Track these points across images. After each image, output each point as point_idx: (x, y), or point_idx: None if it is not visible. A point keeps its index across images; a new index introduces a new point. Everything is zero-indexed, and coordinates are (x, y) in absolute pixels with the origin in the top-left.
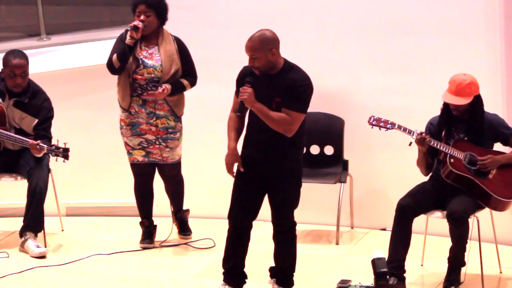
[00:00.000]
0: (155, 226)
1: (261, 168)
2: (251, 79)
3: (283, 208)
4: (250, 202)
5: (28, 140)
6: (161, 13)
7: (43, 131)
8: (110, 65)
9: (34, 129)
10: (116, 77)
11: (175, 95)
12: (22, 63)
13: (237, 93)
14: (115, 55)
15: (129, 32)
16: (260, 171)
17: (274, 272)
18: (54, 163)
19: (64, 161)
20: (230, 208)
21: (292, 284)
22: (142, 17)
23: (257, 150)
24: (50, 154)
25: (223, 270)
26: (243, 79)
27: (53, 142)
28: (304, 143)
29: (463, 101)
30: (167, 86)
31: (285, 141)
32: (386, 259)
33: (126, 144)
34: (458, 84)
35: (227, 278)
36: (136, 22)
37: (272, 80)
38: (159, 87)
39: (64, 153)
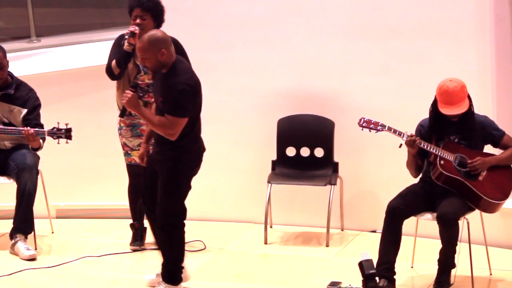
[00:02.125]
0: (145, 228)
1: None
2: (136, 83)
3: (160, 205)
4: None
5: (23, 129)
6: (157, 16)
7: (34, 119)
8: (109, 71)
9: (24, 119)
10: (112, 76)
11: None
12: None
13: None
14: (114, 61)
15: (126, 39)
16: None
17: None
18: (44, 165)
19: (66, 142)
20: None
21: (180, 280)
22: (138, 21)
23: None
24: (52, 137)
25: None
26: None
27: (54, 125)
28: (195, 148)
29: (464, 106)
30: None
31: (169, 142)
32: (376, 261)
33: (124, 145)
34: (452, 93)
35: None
36: (132, 28)
37: (162, 80)
38: None
39: (67, 133)
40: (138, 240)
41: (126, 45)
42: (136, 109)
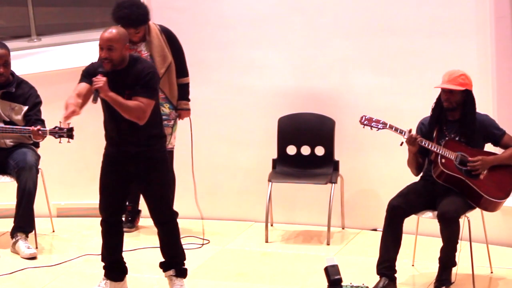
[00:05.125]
0: (139, 211)
1: (127, 162)
2: (104, 69)
3: (161, 202)
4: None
5: (28, 128)
6: (146, 21)
7: (35, 115)
8: None
9: (25, 115)
10: None
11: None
12: (3, 53)
13: (82, 80)
14: None
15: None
16: (127, 165)
17: (167, 265)
18: (45, 163)
19: (68, 141)
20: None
21: (186, 274)
22: (130, 33)
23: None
24: (54, 136)
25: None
26: (93, 73)
27: (56, 123)
28: (163, 132)
29: (456, 87)
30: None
31: (156, 135)
32: (377, 259)
33: None
34: (451, 74)
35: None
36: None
37: (119, 75)
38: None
39: (69, 133)
40: (129, 222)
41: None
42: (108, 94)
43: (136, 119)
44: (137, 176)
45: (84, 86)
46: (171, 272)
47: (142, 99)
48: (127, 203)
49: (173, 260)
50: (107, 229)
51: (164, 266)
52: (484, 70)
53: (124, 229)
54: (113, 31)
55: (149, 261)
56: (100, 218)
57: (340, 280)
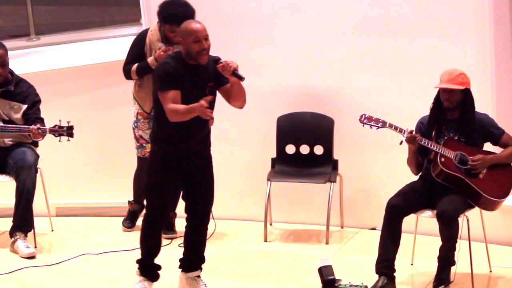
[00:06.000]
0: (143, 209)
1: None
2: (218, 57)
3: (209, 204)
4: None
5: (28, 127)
6: None
7: (34, 114)
8: (127, 74)
9: (25, 114)
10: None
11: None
12: (0, 53)
13: (171, 86)
14: (134, 68)
15: (156, 54)
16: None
17: (193, 265)
18: (44, 163)
19: (68, 140)
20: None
21: None
22: (176, 34)
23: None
24: (54, 135)
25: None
26: (177, 76)
27: (56, 122)
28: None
29: (456, 87)
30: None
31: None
32: (376, 258)
33: (140, 137)
34: (450, 74)
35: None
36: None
37: (199, 69)
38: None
39: (69, 131)
40: (130, 220)
41: (153, 61)
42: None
43: (245, 101)
44: (191, 175)
45: (179, 94)
46: (198, 272)
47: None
48: (134, 200)
49: (202, 261)
50: (154, 229)
51: (190, 266)
52: (483, 69)
53: (124, 228)
54: (198, 23)
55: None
56: (144, 218)
57: (333, 280)
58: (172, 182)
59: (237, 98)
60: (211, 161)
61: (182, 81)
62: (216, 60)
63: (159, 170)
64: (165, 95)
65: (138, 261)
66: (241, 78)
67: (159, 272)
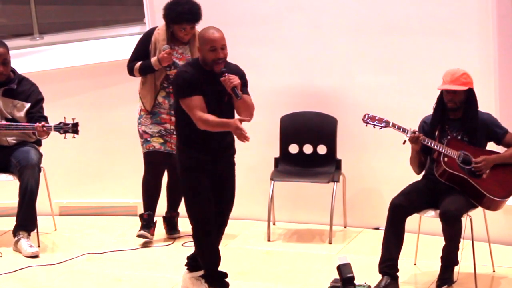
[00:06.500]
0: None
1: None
2: (226, 69)
3: (231, 207)
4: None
5: (32, 124)
6: (200, 19)
7: (38, 112)
8: (130, 71)
9: (28, 113)
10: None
11: None
12: (1, 51)
13: (193, 93)
14: (137, 66)
15: (160, 55)
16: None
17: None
18: (47, 162)
19: (73, 137)
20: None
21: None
22: (186, 32)
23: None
24: (59, 132)
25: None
26: (196, 83)
27: (60, 119)
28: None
29: (460, 88)
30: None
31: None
32: (379, 258)
33: (144, 132)
34: (453, 74)
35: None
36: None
37: (216, 77)
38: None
39: (74, 128)
40: (145, 228)
41: (156, 63)
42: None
43: (251, 115)
44: (219, 179)
45: (202, 99)
46: (203, 272)
47: (248, 96)
48: (143, 212)
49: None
50: (208, 238)
51: (197, 266)
52: (486, 68)
53: (140, 233)
54: (216, 31)
55: (152, 259)
56: (194, 232)
57: (352, 278)
58: (209, 189)
59: (241, 111)
60: (234, 165)
61: (201, 87)
62: (222, 72)
63: (195, 178)
64: (188, 102)
65: (204, 276)
66: (237, 97)
67: (227, 280)
